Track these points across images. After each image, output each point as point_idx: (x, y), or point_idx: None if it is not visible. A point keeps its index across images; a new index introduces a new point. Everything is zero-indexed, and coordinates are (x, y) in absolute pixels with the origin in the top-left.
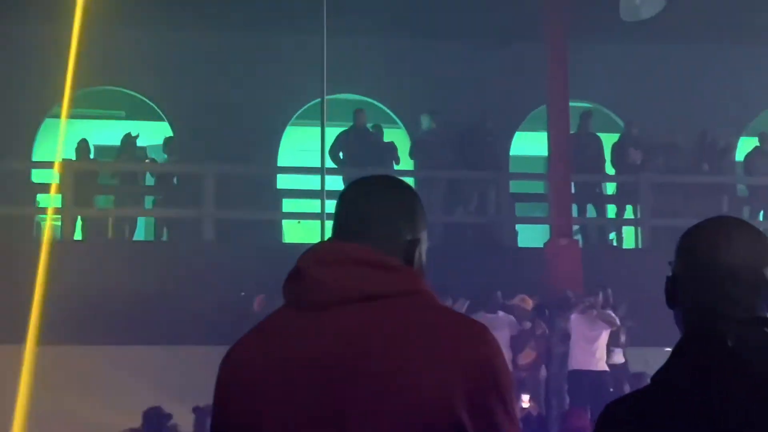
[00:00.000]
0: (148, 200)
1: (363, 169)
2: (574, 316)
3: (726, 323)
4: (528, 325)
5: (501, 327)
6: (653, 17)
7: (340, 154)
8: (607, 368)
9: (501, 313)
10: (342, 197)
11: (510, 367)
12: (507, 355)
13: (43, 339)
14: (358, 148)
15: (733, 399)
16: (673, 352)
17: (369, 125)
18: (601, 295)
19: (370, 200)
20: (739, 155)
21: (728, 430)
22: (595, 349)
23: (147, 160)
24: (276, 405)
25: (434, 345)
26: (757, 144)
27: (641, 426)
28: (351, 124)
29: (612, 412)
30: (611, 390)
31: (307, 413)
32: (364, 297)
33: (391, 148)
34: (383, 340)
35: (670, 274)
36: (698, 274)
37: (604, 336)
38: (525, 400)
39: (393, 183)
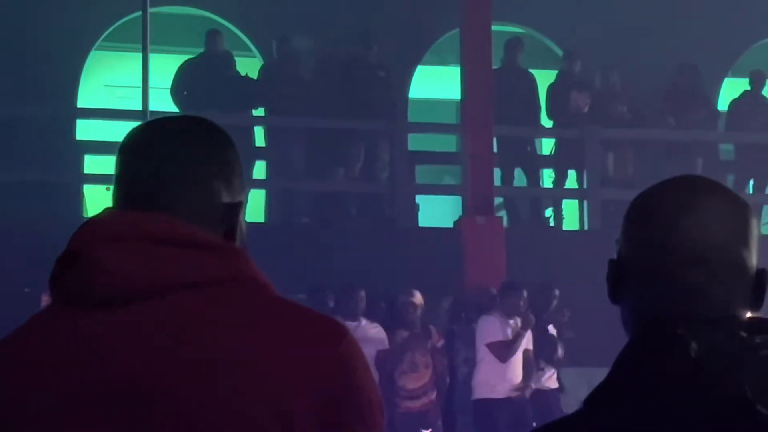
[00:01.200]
0: None
1: (209, 114)
2: (480, 322)
3: (689, 325)
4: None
5: (363, 342)
6: None
7: (185, 93)
8: (526, 395)
9: (364, 322)
10: (125, 149)
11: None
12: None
13: None
14: (210, 84)
15: (695, 428)
16: (616, 364)
17: None
18: (524, 294)
19: (168, 150)
20: (722, 103)
21: None
22: (506, 369)
23: None
24: None
25: (265, 353)
26: (748, 87)
27: None
28: (196, 49)
29: None
30: (534, 425)
31: None
32: (167, 288)
33: (249, 84)
34: (194, 349)
35: (618, 251)
36: (652, 257)
37: (522, 348)
38: None
39: (199, 126)
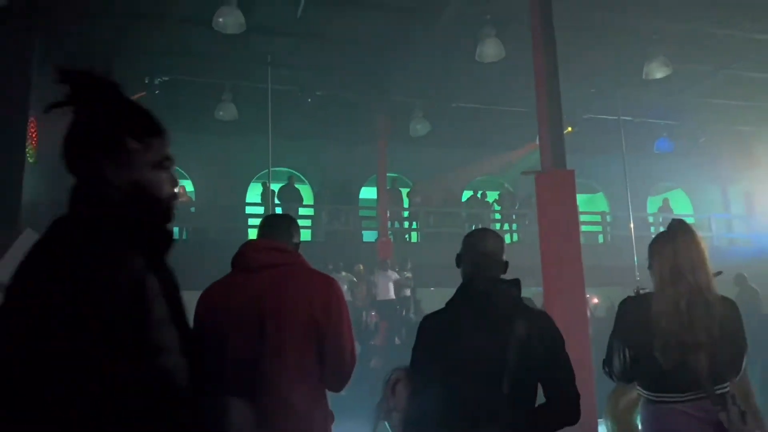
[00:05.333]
0: None
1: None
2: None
3: (482, 279)
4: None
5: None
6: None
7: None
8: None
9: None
10: (262, 223)
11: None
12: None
13: None
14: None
15: (484, 316)
16: (458, 290)
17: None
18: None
19: (276, 221)
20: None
21: (479, 330)
22: (389, 288)
23: None
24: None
25: (305, 289)
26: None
27: (437, 324)
28: None
29: (425, 319)
30: (398, 307)
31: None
32: (273, 265)
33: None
34: (283, 290)
35: (459, 252)
36: (470, 253)
37: (392, 282)
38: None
39: (286, 216)
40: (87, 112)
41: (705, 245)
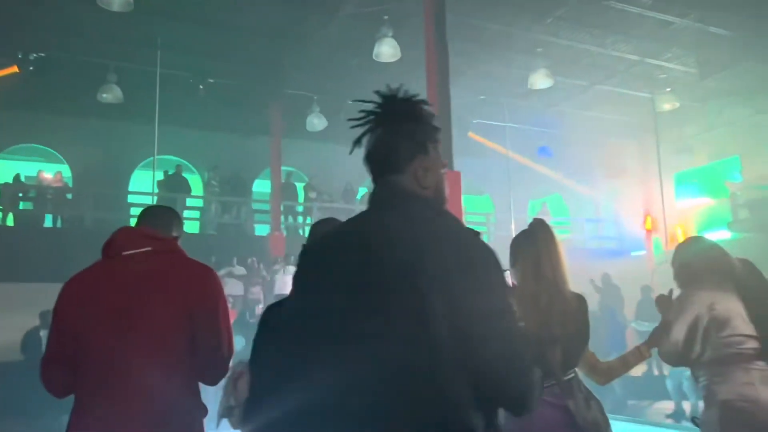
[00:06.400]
0: None
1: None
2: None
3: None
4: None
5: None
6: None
7: None
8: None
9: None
10: (141, 212)
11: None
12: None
13: None
14: None
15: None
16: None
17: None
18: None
19: (157, 212)
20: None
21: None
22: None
23: None
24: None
25: (180, 275)
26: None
27: (279, 315)
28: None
29: (268, 309)
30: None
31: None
32: (146, 252)
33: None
34: (157, 272)
35: (304, 243)
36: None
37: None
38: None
39: (168, 209)
40: (397, 126)
41: (562, 244)
